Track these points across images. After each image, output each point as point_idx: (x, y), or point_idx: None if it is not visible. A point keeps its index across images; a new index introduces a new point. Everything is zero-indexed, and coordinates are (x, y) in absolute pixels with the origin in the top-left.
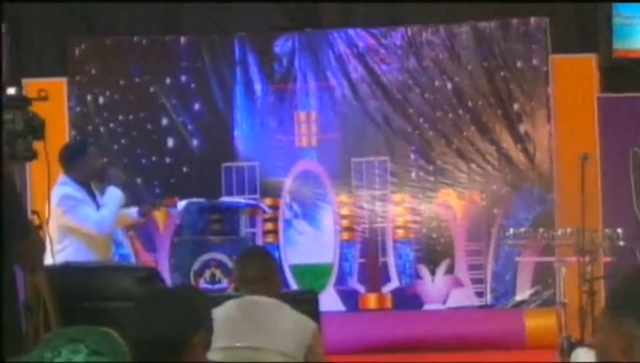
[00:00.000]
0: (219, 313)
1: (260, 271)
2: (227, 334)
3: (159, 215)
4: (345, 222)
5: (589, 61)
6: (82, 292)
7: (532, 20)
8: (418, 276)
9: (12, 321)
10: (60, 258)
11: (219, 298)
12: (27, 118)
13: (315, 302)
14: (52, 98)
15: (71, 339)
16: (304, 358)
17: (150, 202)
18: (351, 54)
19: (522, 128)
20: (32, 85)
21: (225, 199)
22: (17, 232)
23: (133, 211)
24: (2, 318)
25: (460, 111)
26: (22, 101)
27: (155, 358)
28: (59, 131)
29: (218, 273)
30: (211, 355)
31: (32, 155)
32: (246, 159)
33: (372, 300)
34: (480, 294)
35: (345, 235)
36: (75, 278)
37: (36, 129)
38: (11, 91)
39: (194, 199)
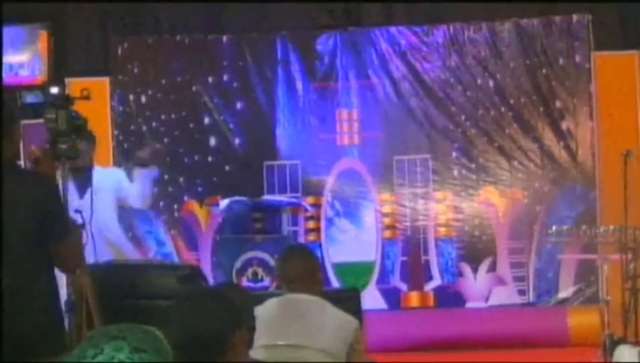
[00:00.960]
0: (261, 312)
1: (302, 269)
2: (269, 332)
3: (201, 214)
4: (387, 220)
5: (632, 58)
6: (124, 290)
7: (575, 17)
8: (460, 275)
9: (55, 321)
10: None
11: (261, 297)
12: (71, 117)
13: (357, 300)
14: (94, 97)
15: (113, 336)
16: (346, 356)
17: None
18: (393, 52)
19: (564, 125)
20: (75, 84)
21: (268, 197)
22: (59, 232)
23: None
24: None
25: (503, 109)
26: (65, 100)
27: (197, 358)
28: (102, 130)
29: (260, 271)
30: (253, 354)
31: (76, 154)
32: (288, 158)
33: (414, 298)
34: (522, 292)
35: (387, 233)
36: (118, 277)
37: (79, 128)
38: (54, 90)
39: (237, 198)
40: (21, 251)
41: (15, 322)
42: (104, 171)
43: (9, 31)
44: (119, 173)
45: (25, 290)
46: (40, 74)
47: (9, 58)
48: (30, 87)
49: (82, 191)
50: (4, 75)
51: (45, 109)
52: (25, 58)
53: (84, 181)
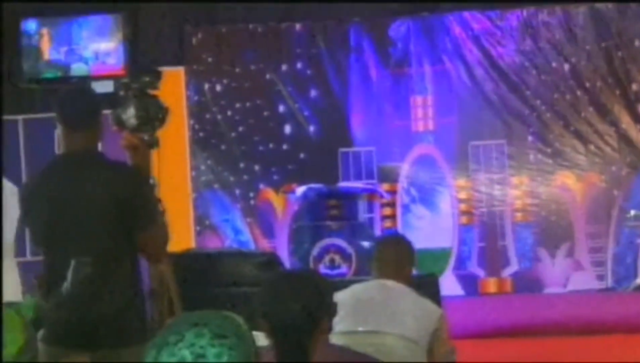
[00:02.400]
0: (342, 297)
1: (394, 255)
2: (350, 318)
3: (277, 201)
4: (463, 206)
5: None
6: (204, 278)
7: None
8: (538, 260)
9: (137, 309)
10: None
11: (339, 284)
12: (158, 106)
13: (436, 286)
14: (170, 87)
15: (195, 323)
16: (428, 344)
17: None
18: (467, 37)
19: None
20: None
21: (343, 184)
22: (143, 222)
23: None
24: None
25: (578, 92)
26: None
27: (286, 343)
28: (177, 119)
29: (337, 258)
30: (332, 339)
31: (156, 142)
32: (363, 145)
33: (491, 284)
34: (601, 277)
35: (464, 219)
36: (198, 265)
37: (163, 117)
38: (145, 78)
39: (312, 186)
40: (103, 240)
41: (98, 310)
42: None
43: (96, 19)
44: None
45: (108, 278)
46: (124, 63)
47: (95, 46)
48: (115, 76)
49: None
50: (91, 64)
51: (127, 99)
52: (112, 46)
53: None
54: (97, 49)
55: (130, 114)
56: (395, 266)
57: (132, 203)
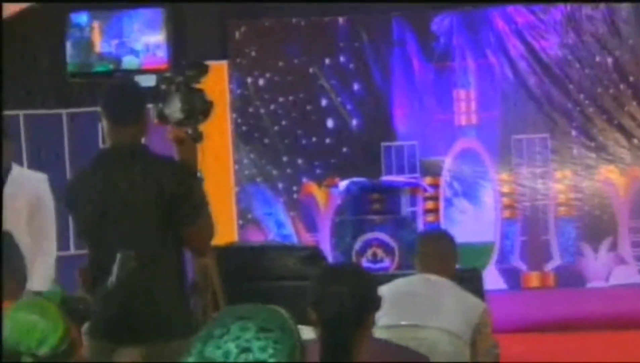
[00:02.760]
0: (385, 291)
1: (437, 251)
2: (394, 312)
3: (320, 195)
4: (506, 200)
5: None
6: (248, 272)
7: None
8: (580, 254)
9: (182, 303)
10: None
11: (382, 278)
12: (204, 100)
13: (479, 280)
14: (213, 81)
15: (240, 316)
16: (471, 338)
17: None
18: (510, 31)
19: None
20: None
21: (386, 178)
22: (189, 216)
23: None
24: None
25: (622, 86)
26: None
27: (333, 334)
28: (220, 113)
29: (380, 252)
30: (376, 333)
31: (199, 136)
32: (405, 139)
33: (534, 278)
34: None
35: (506, 213)
36: (241, 259)
37: (208, 110)
38: (190, 72)
39: (355, 179)
40: (150, 234)
41: (144, 304)
42: None
43: (145, 13)
44: None
45: (154, 272)
46: (169, 56)
47: (146, 39)
48: (163, 70)
49: None
50: (142, 56)
51: (170, 93)
52: (161, 39)
53: None
54: (147, 41)
55: (175, 108)
56: (439, 261)
57: (179, 197)
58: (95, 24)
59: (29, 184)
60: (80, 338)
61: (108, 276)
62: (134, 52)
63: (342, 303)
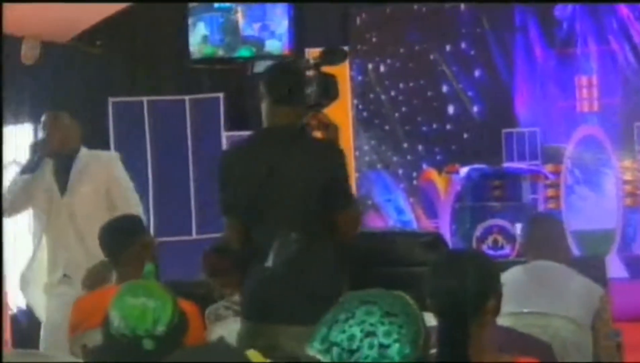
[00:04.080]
0: (506, 278)
1: (547, 236)
2: (514, 300)
3: (440, 181)
4: (628, 188)
5: None
6: (371, 257)
7: None
8: None
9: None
10: None
11: (503, 264)
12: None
13: (602, 268)
14: (334, 67)
15: (365, 301)
16: (591, 324)
17: None
18: (634, 17)
19: None
20: (313, 54)
21: (507, 165)
22: (343, 201)
23: None
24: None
25: None
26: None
27: (450, 323)
28: (342, 99)
29: (500, 239)
30: (499, 321)
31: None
32: (527, 125)
33: None
34: None
35: (629, 201)
36: (364, 244)
37: (333, 96)
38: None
39: (476, 166)
40: (307, 217)
41: (299, 287)
42: None
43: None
44: None
45: (311, 255)
46: (293, 43)
47: (286, 23)
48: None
49: None
50: (284, 40)
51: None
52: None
53: None
54: (286, 25)
55: (310, 92)
56: (551, 245)
57: (337, 181)
58: (239, 8)
59: (99, 163)
60: (199, 319)
61: (263, 256)
62: (276, 35)
63: (453, 291)
